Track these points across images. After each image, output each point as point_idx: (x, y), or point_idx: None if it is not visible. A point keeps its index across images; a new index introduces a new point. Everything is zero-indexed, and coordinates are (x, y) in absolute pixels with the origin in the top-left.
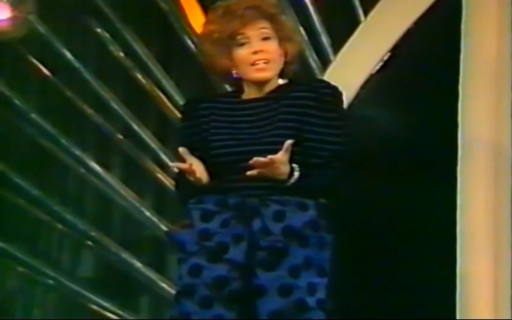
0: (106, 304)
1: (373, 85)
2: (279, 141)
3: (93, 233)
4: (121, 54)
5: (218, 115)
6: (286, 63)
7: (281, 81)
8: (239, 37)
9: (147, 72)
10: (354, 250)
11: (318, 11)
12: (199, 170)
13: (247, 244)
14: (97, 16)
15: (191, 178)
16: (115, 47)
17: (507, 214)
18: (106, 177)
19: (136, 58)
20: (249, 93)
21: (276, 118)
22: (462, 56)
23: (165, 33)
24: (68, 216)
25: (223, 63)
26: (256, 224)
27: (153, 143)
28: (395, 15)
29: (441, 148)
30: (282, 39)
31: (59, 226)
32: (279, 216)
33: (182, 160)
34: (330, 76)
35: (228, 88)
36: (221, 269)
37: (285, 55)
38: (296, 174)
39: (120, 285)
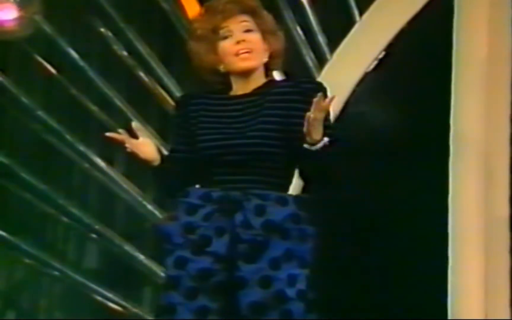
0: (109, 295)
1: (368, 82)
2: (263, 135)
3: (97, 226)
4: (124, 53)
5: (206, 110)
6: (270, 57)
7: (278, 77)
8: (222, 30)
9: (149, 70)
10: (347, 244)
11: (315, 11)
12: (147, 149)
13: (230, 237)
14: (100, 16)
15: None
16: (118, 46)
17: (499, 211)
18: (109, 172)
19: (139, 56)
20: (237, 89)
21: (261, 113)
22: (454, 55)
23: (167, 32)
24: (73, 210)
25: (209, 58)
26: (238, 217)
27: (155, 139)
28: (390, 15)
29: (433, 144)
30: (265, 33)
31: (65, 219)
32: (259, 211)
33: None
34: (327, 74)
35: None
36: (205, 261)
37: (269, 49)
38: (323, 142)
39: (123, 276)
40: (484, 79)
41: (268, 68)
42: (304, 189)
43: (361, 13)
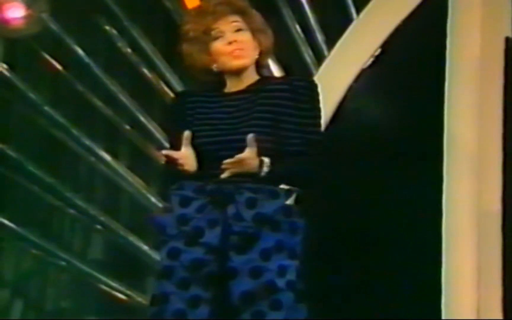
0: (114, 284)
1: (364, 79)
2: (256, 131)
3: (102, 218)
4: (129, 50)
5: (202, 107)
6: (261, 54)
7: (277, 73)
8: (213, 32)
9: (152, 67)
10: (339, 237)
11: (313, 9)
12: (189, 162)
13: (222, 229)
14: (105, 14)
15: (179, 167)
16: (122, 43)
17: (491, 207)
18: (114, 165)
19: (142, 54)
20: (231, 86)
21: (254, 110)
22: (447, 53)
23: (169, 30)
24: (79, 202)
25: (202, 59)
26: (231, 209)
27: (158, 133)
28: (385, 14)
29: (427, 139)
30: (255, 31)
31: (71, 211)
32: (251, 204)
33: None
34: (324, 71)
35: None
36: (197, 252)
37: (259, 46)
38: (266, 168)
39: (128, 267)
40: (477, 76)
41: (258, 65)
42: None
43: (357, 12)
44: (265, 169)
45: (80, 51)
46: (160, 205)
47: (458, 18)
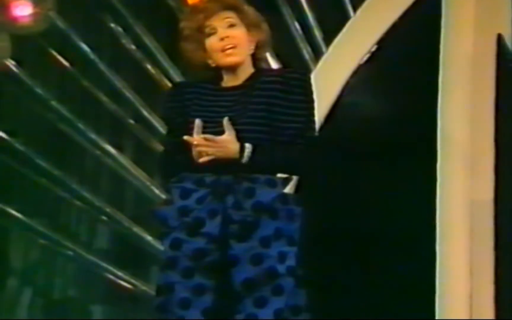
0: (119, 273)
1: (361, 74)
2: (252, 122)
3: (107, 209)
4: (133, 46)
5: (200, 99)
6: (257, 48)
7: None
8: (206, 29)
9: (156, 63)
10: (335, 234)
11: (312, 7)
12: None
13: (222, 218)
14: (110, 12)
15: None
16: (127, 40)
17: (484, 203)
18: (119, 158)
19: (146, 50)
20: (227, 80)
21: (250, 102)
22: (441, 49)
23: (172, 27)
24: (85, 194)
25: (198, 55)
26: (230, 199)
27: (161, 128)
28: (381, 11)
29: (421, 134)
30: (249, 26)
31: (77, 202)
32: (249, 193)
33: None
34: (322, 66)
35: None
36: (199, 242)
37: (254, 41)
38: (247, 151)
39: (132, 256)
40: (470, 71)
41: (255, 58)
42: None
43: (354, 9)
44: (246, 155)
45: (86, 48)
46: (163, 197)
47: (451, 15)
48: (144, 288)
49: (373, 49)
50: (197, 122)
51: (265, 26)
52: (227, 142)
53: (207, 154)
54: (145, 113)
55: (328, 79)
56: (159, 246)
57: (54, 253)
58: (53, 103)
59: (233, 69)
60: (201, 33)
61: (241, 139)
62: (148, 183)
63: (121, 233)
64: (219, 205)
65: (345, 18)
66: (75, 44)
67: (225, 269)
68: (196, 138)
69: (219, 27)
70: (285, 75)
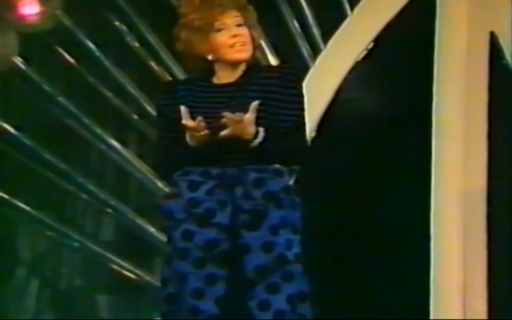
0: (124, 264)
1: (358, 71)
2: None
3: (112, 202)
4: (137, 44)
5: (195, 96)
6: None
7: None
8: (217, 23)
9: (159, 60)
10: (333, 224)
11: (310, 5)
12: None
13: (231, 209)
14: (115, 11)
15: (196, 135)
16: (131, 38)
17: (478, 190)
18: (123, 153)
19: (150, 47)
20: (222, 77)
21: (247, 97)
22: (436, 46)
23: (175, 25)
24: (91, 187)
25: (202, 47)
26: (238, 190)
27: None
28: (378, 9)
29: (417, 126)
30: (250, 27)
31: (83, 195)
32: (259, 183)
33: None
34: (320, 63)
35: None
36: (210, 232)
37: (253, 41)
38: (261, 135)
39: (136, 248)
40: (464, 67)
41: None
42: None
43: (352, 8)
44: (259, 140)
45: (91, 45)
46: (167, 190)
47: (445, 13)
48: (147, 278)
49: (370, 47)
50: (183, 108)
51: (259, 29)
52: (248, 122)
53: (230, 130)
54: (149, 108)
55: (326, 76)
56: (162, 237)
57: (61, 244)
58: (60, 99)
59: (233, 65)
60: (210, 26)
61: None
62: (151, 177)
63: (125, 225)
64: (227, 196)
65: (342, 16)
66: (81, 41)
67: (236, 258)
68: (191, 122)
69: (230, 24)
70: (281, 70)
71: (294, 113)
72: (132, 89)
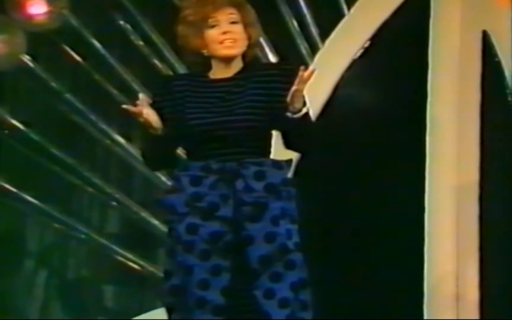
0: (129, 255)
1: (355, 68)
2: (251, 111)
3: (117, 195)
4: (141, 42)
5: (192, 91)
6: (248, 46)
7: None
8: (210, 20)
9: (162, 57)
10: (330, 218)
11: (308, 4)
12: (154, 118)
13: (233, 202)
14: (120, 10)
15: (145, 125)
16: (135, 36)
17: (470, 184)
18: (128, 147)
19: (153, 45)
20: (217, 72)
21: (247, 93)
22: (430, 44)
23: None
24: (97, 181)
25: (195, 42)
26: (239, 184)
27: None
28: (374, 9)
29: (411, 122)
30: (247, 25)
31: (89, 189)
32: (259, 176)
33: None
34: (318, 61)
35: None
36: (214, 225)
37: (249, 39)
38: (307, 107)
39: (140, 239)
40: (457, 65)
41: (245, 55)
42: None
43: (349, 8)
44: (305, 110)
45: (97, 44)
46: (169, 183)
47: (439, 13)
48: (151, 269)
49: (366, 45)
50: (141, 96)
51: (259, 28)
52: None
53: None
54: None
55: (324, 73)
56: (165, 230)
57: (68, 236)
58: (66, 95)
59: (226, 61)
60: (204, 22)
61: (238, 128)
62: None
63: (130, 217)
64: (228, 189)
65: (339, 15)
66: (87, 40)
67: (239, 249)
68: (140, 108)
69: (223, 21)
70: (282, 67)
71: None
72: (136, 86)
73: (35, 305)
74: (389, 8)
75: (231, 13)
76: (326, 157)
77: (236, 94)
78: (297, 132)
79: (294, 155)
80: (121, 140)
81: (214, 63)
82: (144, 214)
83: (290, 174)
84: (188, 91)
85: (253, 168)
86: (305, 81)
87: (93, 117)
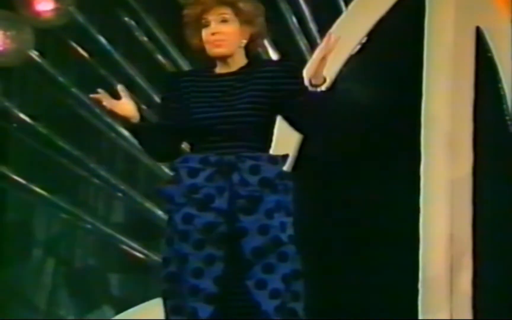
0: (134, 245)
1: (352, 64)
2: (253, 106)
3: (122, 186)
4: (145, 38)
5: (197, 86)
6: (250, 41)
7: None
8: (203, 20)
9: (166, 54)
10: (326, 213)
11: (307, 2)
12: (125, 107)
13: (229, 194)
14: (125, 7)
15: (112, 115)
16: (140, 33)
17: (464, 178)
18: (132, 140)
19: (158, 42)
20: (220, 68)
21: (248, 88)
22: (425, 40)
23: (181, 21)
24: (102, 172)
25: (194, 42)
26: (235, 177)
27: None
28: (371, 6)
29: (407, 117)
30: (243, 22)
31: (95, 180)
32: (255, 170)
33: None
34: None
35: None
36: (209, 216)
37: (246, 36)
38: (323, 87)
39: (145, 229)
40: (451, 61)
41: (248, 50)
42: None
43: (346, 5)
44: (323, 87)
45: (102, 40)
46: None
47: (434, 10)
48: (155, 257)
49: (363, 41)
50: (119, 87)
51: (259, 21)
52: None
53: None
54: (157, 99)
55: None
56: None
57: (75, 226)
58: (73, 90)
59: (223, 59)
60: (198, 23)
61: (239, 122)
62: (159, 163)
63: (134, 208)
64: (225, 182)
65: (337, 12)
66: (93, 36)
67: (233, 240)
68: (99, 97)
69: (213, 21)
70: (284, 63)
71: (299, 94)
72: (140, 81)
73: (43, 293)
74: (385, 6)
75: (222, 13)
76: (321, 151)
77: (239, 89)
78: (305, 113)
79: (290, 150)
80: (126, 133)
81: (216, 60)
82: (148, 204)
83: (286, 168)
84: (193, 86)
85: (249, 162)
86: (331, 48)
87: (98, 111)
